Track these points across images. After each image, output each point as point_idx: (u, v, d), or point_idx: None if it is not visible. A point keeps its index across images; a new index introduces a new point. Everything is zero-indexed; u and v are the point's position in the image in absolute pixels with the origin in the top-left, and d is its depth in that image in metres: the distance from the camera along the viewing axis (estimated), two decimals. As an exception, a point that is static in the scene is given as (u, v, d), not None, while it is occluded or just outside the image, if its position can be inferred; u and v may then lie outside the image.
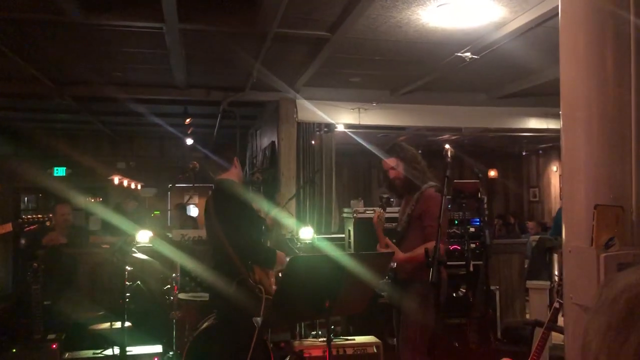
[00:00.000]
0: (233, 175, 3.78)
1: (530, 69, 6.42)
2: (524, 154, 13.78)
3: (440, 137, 10.44)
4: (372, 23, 4.92)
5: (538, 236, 7.70)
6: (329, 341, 2.67)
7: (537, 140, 11.26)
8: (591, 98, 1.90)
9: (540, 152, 13.35)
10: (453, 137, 10.45)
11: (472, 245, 5.47)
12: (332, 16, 4.81)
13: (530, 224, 11.38)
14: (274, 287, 3.51)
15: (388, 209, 5.18)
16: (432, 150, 8.03)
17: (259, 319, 2.85)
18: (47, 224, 3.37)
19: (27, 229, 3.31)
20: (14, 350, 4.57)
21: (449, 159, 3.13)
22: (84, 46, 5.69)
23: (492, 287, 6.02)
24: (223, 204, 3.64)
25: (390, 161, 3.75)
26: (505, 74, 6.73)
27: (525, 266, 6.70)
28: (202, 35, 5.34)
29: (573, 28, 1.99)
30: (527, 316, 6.02)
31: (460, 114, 8.10)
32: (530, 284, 5.43)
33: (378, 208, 3.92)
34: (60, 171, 11.91)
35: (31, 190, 12.44)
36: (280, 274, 3.64)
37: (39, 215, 3.34)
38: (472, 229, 5.54)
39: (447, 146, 3.27)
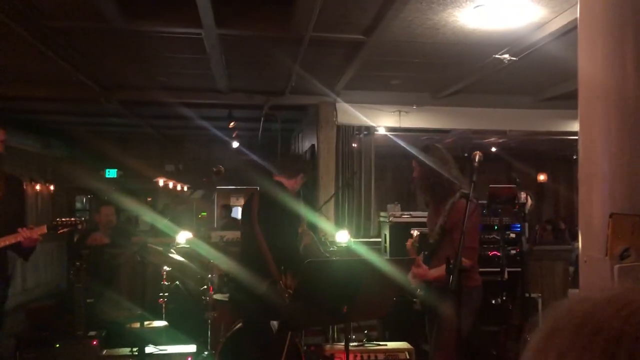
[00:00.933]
0: (289, 184, 3.81)
1: (573, 71, 6.18)
2: (574, 157, 13.33)
3: (487, 140, 10.22)
4: (408, 25, 4.88)
5: (585, 243, 7.42)
6: (346, 346, 2.66)
7: (589, 144, 10.86)
8: (609, 91, 1.82)
9: (593, 155, 12.87)
10: (500, 140, 10.21)
11: (512, 252, 5.34)
12: (366, 19, 4.80)
13: (581, 230, 10.99)
14: None
15: (413, 213, 5.08)
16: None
17: (275, 323, 2.87)
18: (80, 227, 3.49)
19: (60, 231, 3.44)
20: (58, 345, 4.75)
21: (476, 164, 3.06)
22: (128, 52, 5.88)
23: (534, 295, 5.84)
24: (270, 205, 3.66)
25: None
26: (548, 75, 6.53)
27: (570, 273, 6.48)
28: (239, 40, 5.43)
29: (591, 20, 1.92)
30: (571, 325, 5.82)
31: (505, 116, 7.90)
32: (573, 292, 5.24)
33: (415, 233, 3.76)
34: (111, 173, 12.33)
35: (84, 191, 12.93)
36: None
37: (72, 219, 3.46)
38: (512, 235, 5.39)
39: (477, 152, 3.21)
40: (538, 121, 8.06)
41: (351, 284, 2.54)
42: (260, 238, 3.56)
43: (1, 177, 3.50)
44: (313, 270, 2.56)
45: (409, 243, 3.58)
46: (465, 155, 11.17)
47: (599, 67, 1.87)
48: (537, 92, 7.44)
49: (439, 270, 3.25)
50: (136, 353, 4.26)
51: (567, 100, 7.42)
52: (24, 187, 3.82)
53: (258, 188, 4.01)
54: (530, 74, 6.34)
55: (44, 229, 3.35)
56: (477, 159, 3.04)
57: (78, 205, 13.52)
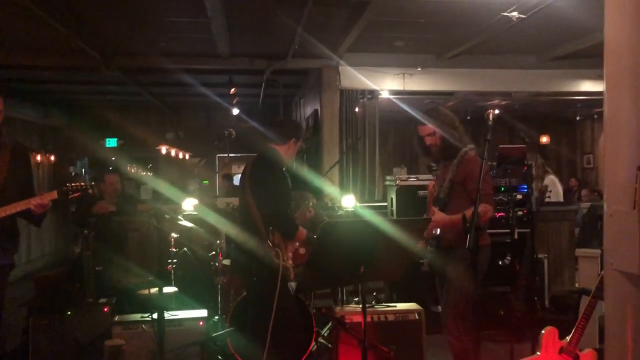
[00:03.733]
0: (283, 150, 3.80)
1: (583, 29, 6.10)
2: (577, 118, 13.25)
3: (490, 102, 10.14)
4: (413, -17, 4.78)
5: (590, 204, 7.41)
6: (364, 307, 2.66)
7: (592, 104, 10.77)
8: (637, 44, 1.76)
9: (595, 116, 12.79)
10: (503, 102, 10.14)
11: (519, 213, 5.33)
12: (371, -22, 4.70)
13: (584, 192, 10.98)
14: (290, 261, 3.55)
15: (420, 177, 5.10)
16: (481, 116, 7.81)
17: (293, 284, 2.87)
18: (90, 191, 3.45)
19: (72, 196, 3.41)
20: (69, 312, 4.79)
21: (490, 122, 3.03)
22: (128, 16, 5.77)
23: (540, 256, 5.87)
24: (261, 169, 3.69)
25: (426, 128, 3.64)
26: (556, 34, 6.43)
27: (576, 234, 6.48)
28: (242, 0, 5.31)
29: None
30: (577, 285, 5.86)
31: (510, 77, 7.83)
32: (579, 252, 5.25)
33: (432, 176, 3.80)
34: (112, 142, 12.26)
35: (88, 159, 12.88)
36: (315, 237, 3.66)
37: (82, 183, 3.42)
38: (519, 196, 5.37)
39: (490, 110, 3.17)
40: (543, 82, 7.99)
41: (368, 244, 2.54)
42: (250, 201, 3.58)
43: (6, 146, 3.46)
44: (330, 231, 2.55)
45: (430, 185, 3.57)
46: (469, 118, 11.12)
47: (627, 20, 1.82)
48: (543, 51, 7.33)
49: (455, 217, 3.28)
50: (148, 319, 4.29)
51: (574, 60, 7.36)
52: (29, 155, 3.76)
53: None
54: (538, 33, 6.24)
55: (54, 195, 3.32)
56: (491, 117, 3.01)
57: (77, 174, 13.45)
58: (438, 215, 3.46)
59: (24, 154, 3.60)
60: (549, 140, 12.56)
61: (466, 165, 3.49)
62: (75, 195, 3.38)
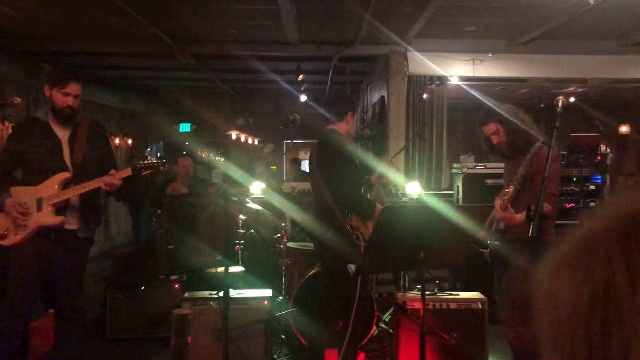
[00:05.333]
0: (341, 128, 3.83)
1: (668, 11, 5.76)
2: (662, 107, 12.50)
3: (565, 90, 9.74)
4: (485, -32, 4.67)
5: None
6: (423, 293, 2.67)
7: (679, 92, 10.15)
8: None
9: (682, 105, 12.03)
10: (579, 90, 9.71)
11: (592, 204, 5.14)
12: (442, -38, 4.62)
13: (666, 184, 10.39)
14: None
15: (488, 165, 4.95)
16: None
17: (352, 266, 2.92)
18: (161, 168, 3.64)
19: (144, 173, 3.60)
20: (143, 288, 5.07)
21: (559, 109, 2.94)
22: (201, 4, 5.94)
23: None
24: (326, 153, 3.73)
25: (489, 127, 3.53)
26: (638, 18, 6.09)
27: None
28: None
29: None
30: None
31: (587, 64, 7.47)
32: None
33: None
34: (185, 127, 12.68)
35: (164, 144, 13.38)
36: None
37: (155, 161, 3.60)
38: (592, 187, 5.18)
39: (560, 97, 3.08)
40: (623, 68, 7.58)
41: (429, 230, 2.54)
42: (322, 186, 3.62)
43: (84, 125, 3.68)
44: (391, 215, 2.58)
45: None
46: (542, 106, 10.73)
47: None
48: (623, 36, 6.97)
49: (523, 216, 3.17)
50: (215, 296, 4.47)
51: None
52: (107, 132, 3.99)
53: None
54: (618, 17, 5.94)
55: (128, 172, 3.51)
56: (560, 105, 2.92)
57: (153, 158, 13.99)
58: (511, 214, 3.28)
59: (102, 131, 3.82)
60: (630, 130, 11.94)
61: (539, 160, 3.35)
62: (148, 172, 3.57)
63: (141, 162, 3.56)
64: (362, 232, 3.49)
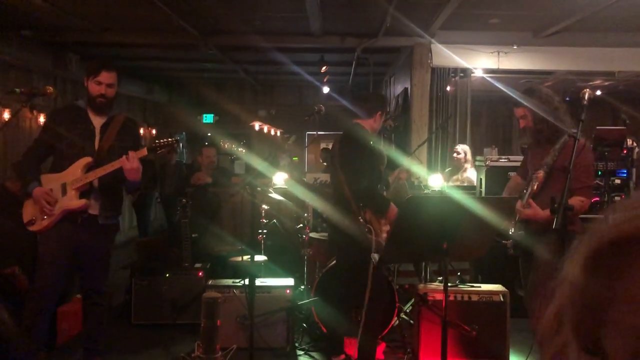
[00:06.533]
0: (367, 124, 3.84)
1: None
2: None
3: (592, 83, 9.60)
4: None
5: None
6: (445, 284, 2.69)
7: None
8: None
9: None
10: (605, 83, 9.56)
11: (617, 199, 5.09)
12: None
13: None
14: (384, 234, 3.54)
15: (511, 157, 4.92)
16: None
17: (376, 255, 2.94)
18: (176, 146, 3.72)
19: (159, 151, 3.66)
20: (167, 275, 5.16)
21: (585, 102, 2.92)
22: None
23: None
24: (348, 145, 3.75)
25: (520, 110, 3.46)
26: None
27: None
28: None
29: None
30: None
31: (614, 56, 7.35)
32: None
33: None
34: (208, 118, 12.79)
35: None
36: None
37: (169, 140, 3.66)
38: (617, 181, 5.12)
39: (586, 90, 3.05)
40: (653, 61, 7.45)
41: (452, 221, 2.56)
42: (341, 179, 3.65)
43: (118, 118, 3.76)
44: (415, 205, 2.60)
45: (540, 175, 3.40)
46: (567, 99, 10.57)
47: None
48: (653, 28, 6.85)
49: (548, 212, 3.08)
50: (239, 284, 4.55)
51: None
52: (140, 130, 4.07)
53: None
54: (647, 8, 5.84)
55: (144, 152, 3.56)
56: (586, 97, 2.90)
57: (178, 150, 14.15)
58: (534, 211, 3.27)
59: (134, 127, 3.90)
60: (658, 124, 11.72)
61: (567, 151, 3.25)
62: (164, 150, 3.63)
63: (157, 142, 3.62)
64: (374, 227, 3.52)
